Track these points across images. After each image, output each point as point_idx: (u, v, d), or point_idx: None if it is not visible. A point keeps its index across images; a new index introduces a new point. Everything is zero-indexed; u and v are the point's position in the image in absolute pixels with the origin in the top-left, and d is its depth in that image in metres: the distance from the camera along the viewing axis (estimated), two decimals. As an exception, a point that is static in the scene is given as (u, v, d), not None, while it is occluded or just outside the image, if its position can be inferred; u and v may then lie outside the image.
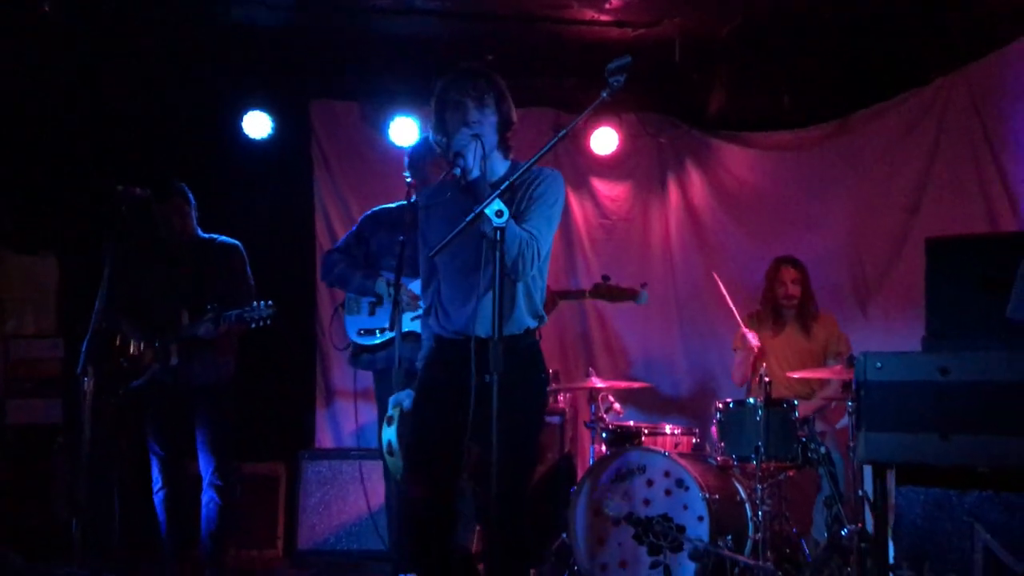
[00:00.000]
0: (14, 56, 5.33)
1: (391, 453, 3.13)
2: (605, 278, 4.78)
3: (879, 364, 1.67)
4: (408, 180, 4.22)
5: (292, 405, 5.94)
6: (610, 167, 6.18)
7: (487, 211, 2.27)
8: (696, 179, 6.17)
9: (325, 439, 5.92)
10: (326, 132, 6.15)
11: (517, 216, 2.82)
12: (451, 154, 2.80)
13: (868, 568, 4.00)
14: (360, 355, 4.36)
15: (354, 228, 4.50)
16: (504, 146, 3.02)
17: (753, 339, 5.03)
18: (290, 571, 5.12)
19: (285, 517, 5.44)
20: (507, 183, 2.59)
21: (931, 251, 3.85)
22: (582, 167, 6.17)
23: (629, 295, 4.76)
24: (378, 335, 4.24)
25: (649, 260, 6.24)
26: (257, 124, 5.87)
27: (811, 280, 5.22)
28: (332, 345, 4.54)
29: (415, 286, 4.08)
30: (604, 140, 6.07)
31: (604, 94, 2.56)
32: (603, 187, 6.21)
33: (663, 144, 6.17)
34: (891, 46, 5.39)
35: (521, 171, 2.69)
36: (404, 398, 3.19)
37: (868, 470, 5.08)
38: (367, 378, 4.60)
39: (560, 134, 2.63)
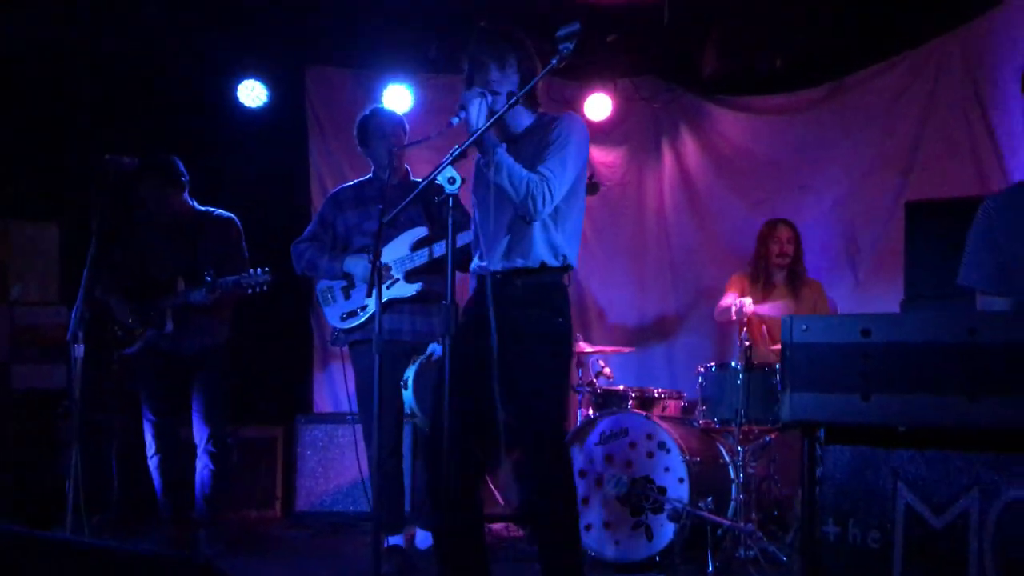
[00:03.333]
0: (14, 24, 5.38)
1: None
2: None
3: (804, 326, 1.71)
4: (395, 152, 4.25)
5: (290, 369, 6.04)
6: (605, 133, 6.18)
7: (439, 179, 2.33)
8: (690, 143, 6.18)
9: (322, 403, 6.02)
10: (321, 99, 6.19)
11: (536, 158, 2.98)
12: (458, 104, 2.94)
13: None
14: (350, 337, 4.32)
15: (318, 214, 4.48)
16: (531, 102, 3.13)
17: (748, 306, 5.00)
18: (288, 531, 5.24)
19: (283, 479, 5.56)
20: (459, 149, 2.65)
21: (910, 214, 3.88)
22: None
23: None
24: (361, 313, 4.20)
25: (643, 225, 6.27)
26: (252, 93, 5.91)
27: (803, 245, 5.24)
28: (323, 343, 4.51)
29: (389, 250, 4.12)
30: (598, 106, 6.07)
31: (554, 61, 2.64)
32: (598, 153, 6.22)
33: (657, 109, 6.17)
34: (883, 7, 5.34)
35: (471, 140, 2.76)
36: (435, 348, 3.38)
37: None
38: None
39: (512, 101, 2.73)
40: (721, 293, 5.34)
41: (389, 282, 4.11)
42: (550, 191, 2.93)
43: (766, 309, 5.06)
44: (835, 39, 5.60)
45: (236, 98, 5.90)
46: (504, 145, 2.98)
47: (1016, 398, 1.53)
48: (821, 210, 5.72)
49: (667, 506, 4.02)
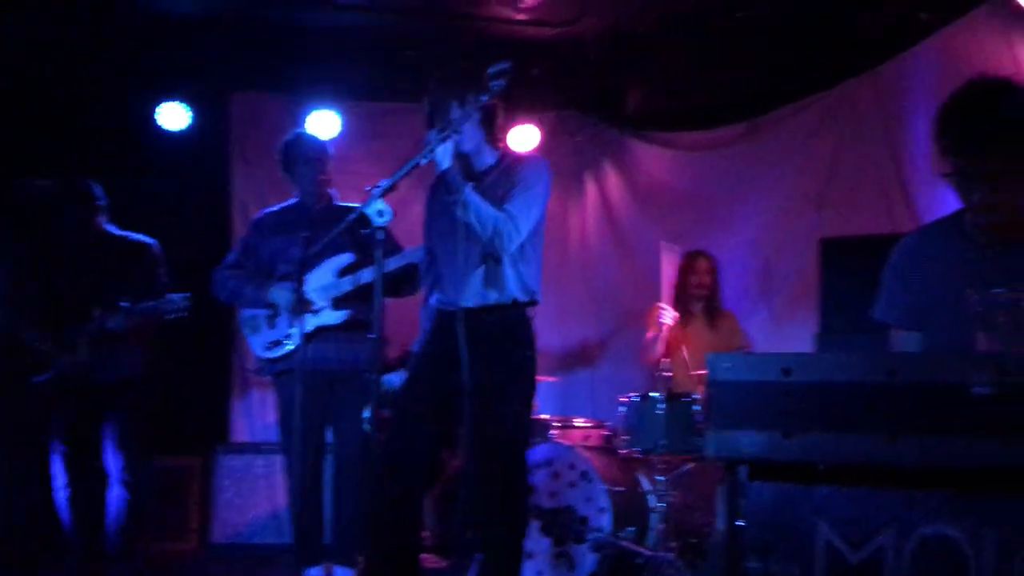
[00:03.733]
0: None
1: None
2: None
3: (728, 364, 1.76)
4: (320, 178, 4.23)
5: (208, 398, 5.91)
6: (530, 164, 6.23)
7: (367, 211, 2.34)
8: (612, 176, 6.29)
9: (241, 432, 5.90)
10: (246, 125, 6.12)
11: (503, 199, 3.11)
12: (424, 143, 3.03)
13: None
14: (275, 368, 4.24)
15: (240, 241, 4.41)
16: (492, 139, 3.28)
17: (670, 316, 5.07)
18: (205, 564, 5.11)
19: (199, 510, 5.42)
20: (391, 181, 2.68)
21: (825, 251, 4.03)
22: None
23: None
24: (286, 342, 4.11)
25: (567, 256, 6.34)
26: (174, 115, 5.81)
27: (722, 278, 5.37)
28: (246, 369, 4.43)
29: (314, 277, 4.07)
30: (525, 138, 6.13)
31: (484, 98, 2.70)
32: (523, 184, 6.27)
33: (581, 143, 6.27)
34: (800, 49, 5.54)
35: (403, 171, 2.79)
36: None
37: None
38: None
39: (441, 136, 2.76)
40: (642, 322, 5.43)
41: (315, 310, 4.06)
42: (516, 229, 3.06)
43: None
44: (753, 79, 5.78)
45: (156, 121, 5.78)
46: (471, 184, 3.07)
47: (933, 437, 1.59)
48: (738, 244, 5.86)
49: (589, 536, 4.06)
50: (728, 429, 1.77)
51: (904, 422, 1.63)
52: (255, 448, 5.41)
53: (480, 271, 3.13)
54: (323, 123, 5.89)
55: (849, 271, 3.89)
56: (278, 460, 5.16)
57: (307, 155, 4.23)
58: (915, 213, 5.01)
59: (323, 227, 4.04)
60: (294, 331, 3.98)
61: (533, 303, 3.24)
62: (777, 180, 5.82)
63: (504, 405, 3.08)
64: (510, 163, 3.26)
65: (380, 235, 2.30)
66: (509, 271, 3.15)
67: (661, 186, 6.17)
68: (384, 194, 2.39)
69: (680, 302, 5.31)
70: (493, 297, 3.14)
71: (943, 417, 1.60)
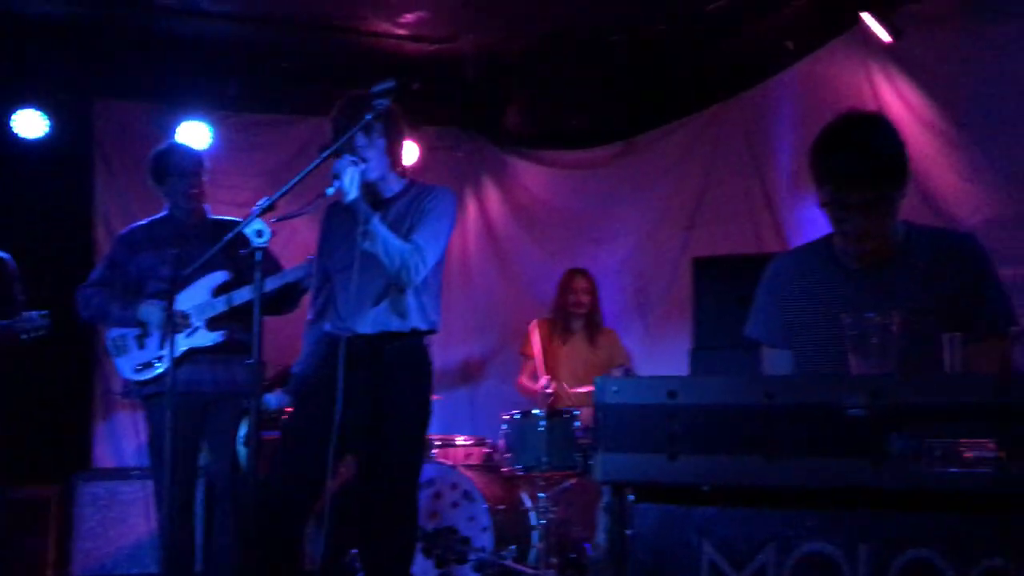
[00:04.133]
0: None
1: None
2: None
3: (615, 387, 1.77)
4: (194, 191, 4.07)
5: (66, 423, 5.58)
6: (409, 180, 6.20)
7: (245, 231, 2.26)
8: (493, 194, 6.31)
9: (104, 457, 5.60)
10: (111, 134, 5.83)
11: (410, 229, 3.09)
12: (332, 174, 2.96)
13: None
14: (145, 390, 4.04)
15: (106, 257, 4.20)
16: (397, 166, 3.26)
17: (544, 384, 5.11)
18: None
19: (56, 543, 5.11)
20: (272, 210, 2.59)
21: (697, 269, 4.13)
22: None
23: None
24: (157, 364, 3.92)
25: (447, 274, 6.27)
26: (30, 123, 5.50)
27: (600, 295, 5.45)
28: (112, 391, 4.23)
29: (187, 296, 3.91)
30: (405, 152, 6.07)
31: (368, 116, 2.65)
32: (402, 200, 6.23)
33: (460, 158, 6.27)
34: (674, 72, 5.70)
35: (285, 189, 2.72)
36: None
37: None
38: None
39: (323, 155, 2.71)
40: (523, 338, 5.47)
41: (189, 331, 3.89)
42: (423, 261, 3.03)
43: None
44: (629, 100, 5.91)
45: (12, 128, 5.46)
46: (379, 215, 3.02)
47: (809, 458, 1.64)
48: (614, 261, 5.98)
49: (472, 557, 4.03)
50: (616, 452, 1.78)
51: (781, 444, 1.67)
52: (121, 474, 5.14)
53: (384, 300, 3.10)
54: (193, 134, 5.68)
55: (720, 290, 3.99)
56: (145, 487, 4.94)
57: (181, 167, 4.06)
58: (782, 234, 5.22)
59: (195, 242, 3.94)
60: (165, 352, 3.80)
61: (432, 332, 3.23)
62: (651, 200, 5.96)
63: (402, 432, 3.06)
64: (418, 192, 3.22)
65: (259, 255, 2.22)
66: (412, 301, 3.12)
67: (540, 203, 6.24)
68: (263, 213, 2.30)
69: (560, 319, 5.37)
70: (394, 325, 3.11)
71: (819, 438, 1.65)
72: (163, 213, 4.19)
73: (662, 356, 5.49)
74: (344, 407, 2.92)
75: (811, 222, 5.04)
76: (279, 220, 2.66)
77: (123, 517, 5.03)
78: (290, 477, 2.88)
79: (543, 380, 4.49)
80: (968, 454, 1.57)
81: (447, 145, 6.26)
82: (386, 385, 3.04)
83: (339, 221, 3.14)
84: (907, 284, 2.32)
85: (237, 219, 4.29)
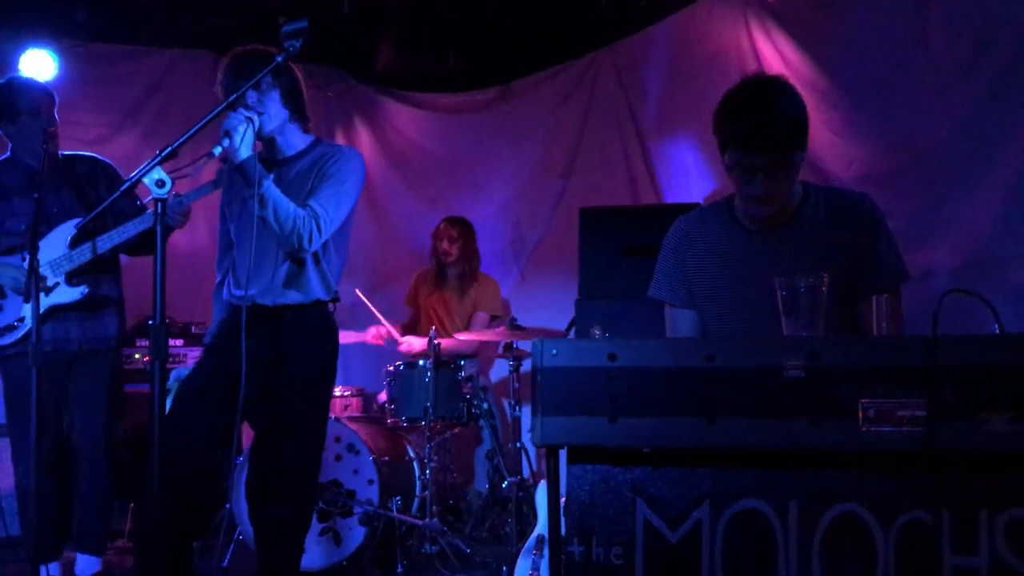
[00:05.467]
0: None
1: None
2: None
3: (555, 351, 1.74)
4: (50, 130, 3.69)
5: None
6: (276, 119, 5.92)
7: (145, 180, 2.07)
8: (365, 136, 6.12)
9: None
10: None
11: (309, 192, 2.87)
12: (222, 131, 2.72)
13: (525, 514, 4.29)
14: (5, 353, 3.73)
15: None
16: (301, 118, 3.02)
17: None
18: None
19: None
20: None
21: (584, 221, 4.15)
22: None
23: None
24: (19, 326, 3.63)
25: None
26: None
27: (478, 243, 5.39)
28: None
29: (42, 251, 3.56)
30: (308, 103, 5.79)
31: (279, 59, 2.47)
32: (269, 140, 5.95)
33: (330, 98, 6.03)
34: (552, 16, 5.62)
35: (185, 138, 2.47)
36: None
37: (527, 425, 5.43)
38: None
39: (229, 100, 2.50)
40: (401, 291, 5.39)
41: (48, 287, 3.59)
42: (319, 228, 2.82)
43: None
44: (506, 44, 5.81)
45: None
46: (271, 176, 2.81)
47: (749, 419, 1.67)
48: (491, 209, 5.93)
49: (357, 510, 3.97)
50: (555, 415, 1.76)
51: (722, 405, 1.70)
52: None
53: (281, 270, 2.92)
54: (37, 65, 5.21)
55: (605, 241, 4.03)
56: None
57: (34, 105, 3.71)
58: (657, 187, 5.30)
59: (48, 188, 3.61)
60: (26, 311, 3.51)
61: (335, 300, 3.09)
62: (527, 147, 5.93)
63: (307, 405, 2.94)
64: (323, 152, 3.00)
65: (160, 207, 2.03)
66: (312, 271, 2.96)
67: (415, 148, 6.10)
68: (163, 161, 2.11)
69: (436, 268, 5.30)
70: (294, 297, 2.95)
71: (759, 400, 1.68)
72: (5, 156, 3.85)
73: (539, 304, 5.51)
74: (239, 375, 2.78)
75: (683, 175, 5.15)
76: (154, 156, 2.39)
77: (-31, 479, 4.68)
78: (177, 436, 2.70)
79: (432, 329, 4.43)
80: (900, 413, 1.63)
81: (316, 84, 5.97)
82: (286, 353, 2.91)
83: (238, 183, 2.90)
84: (806, 244, 2.39)
85: (89, 153, 3.98)
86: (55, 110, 3.83)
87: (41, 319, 3.39)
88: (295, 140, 3.01)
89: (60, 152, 3.87)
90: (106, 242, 3.61)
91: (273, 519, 2.86)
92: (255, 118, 2.76)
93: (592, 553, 1.80)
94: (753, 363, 1.68)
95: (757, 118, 2.25)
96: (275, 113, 2.90)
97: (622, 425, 1.73)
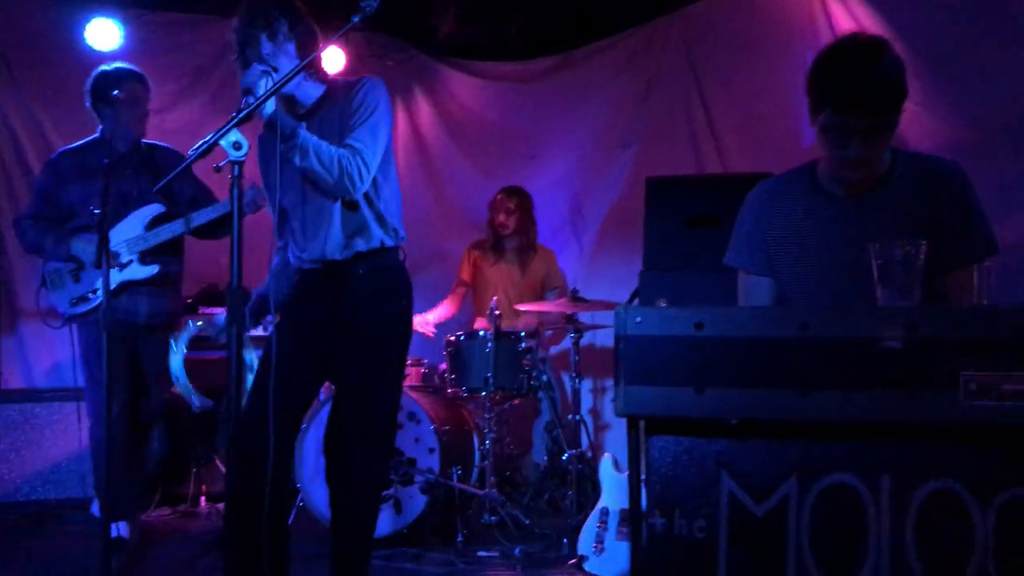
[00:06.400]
0: None
1: None
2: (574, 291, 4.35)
3: (638, 318, 1.69)
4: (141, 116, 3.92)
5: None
6: (336, 88, 5.91)
7: (222, 143, 2.04)
8: (423, 105, 6.09)
9: (13, 379, 5.29)
10: (9, 34, 5.32)
11: (341, 133, 2.75)
12: (241, 90, 2.63)
13: (584, 487, 4.26)
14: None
15: (36, 187, 4.02)
16: (316, 69, 2.87)
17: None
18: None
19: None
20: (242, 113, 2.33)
21: (650, 189, 4.07)
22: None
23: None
24: (92, 297, 3.82)
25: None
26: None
27: (536, 214, 5.33)
28: (46, 324, 4.03)
29: (120, 229, 3.81)
30: (330, 59, 5.77)
31: (355, 18, 2.41)
32: (328, 109, 5.95)
33: (390, 67, 6.00)
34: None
35: (268, 92, 2.46)
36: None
37: (587, 397, 5.40)
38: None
39: (303, 62, 2.45)
40: (458, 261, 5.36)
41: (122, 263, 3.82)
42: (365, 163, 2.71)
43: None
44: (568, 12, 5.72)
45: None
46: (304, 125, 2.70)
47: (844, 392, 1.61)
48: (550, 179, 5.87)
49: (418, 478, 3.97)
50: (639, 384, 1.71)
51: (816, 377, 1.63)
52: (33, 396, 4.86)
53: (337, 220, 2.81)
54: (102, 34, 5.25)
55: (671, 211, 3.95)
56: (62, 408, 4.74)
57: (133, 93, 3.89)
58: (725, 156, 5.18)
59: (128, 171, 3.88)
60: (100, 286, 3.62)
61: (400, 245, 2.96)
62: (587, 116, 5.84)
63: (384, 363, 2.85)
64: (340, 91, 2.88)
65: (236, 171, 2.01)
66: (367, 212, 2.84)
67: (474, 117, 6.04)
68: (239, 124, 2.08)
69: (491, 240, 5.26)
70: (359, 246, 2.83)
71: (854, 371, 1.62)
72: (95, 136, 3.99)
73: (600, 276, 5.45)
74: (317, 337, 2.75)
75: (753, 145, 5.03)
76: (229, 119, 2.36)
77: (38, 440, 4.80)
78: (264, 408, 2.67)
79: (493, 300, 4.41)
80: (1006, 387, 1.56)
81: (376, 53, 5.98)
82: (359, 310, 2.81)
83: (271, 146, 2.75)
84: (894, 211, 2.31)
85: (171, 146, 4.09)
86: (149, 101, 4.01)
87: (114, 293, 3.63)
88: (311, 91, 2.89)
89: (143, 140, 4.03)
90: (172, 229, 3.85)
91: (350, 478, 2.81)
92: (271, 72, 2.64)
93: (674, 526, 1.75)
94: (848, 333, 1.62)
95: (858, 79, 2.16)
96: (288, 67, 2.73)
97: (709, 396, 1.68)
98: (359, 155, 2.71)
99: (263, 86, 2.59)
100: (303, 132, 2.67)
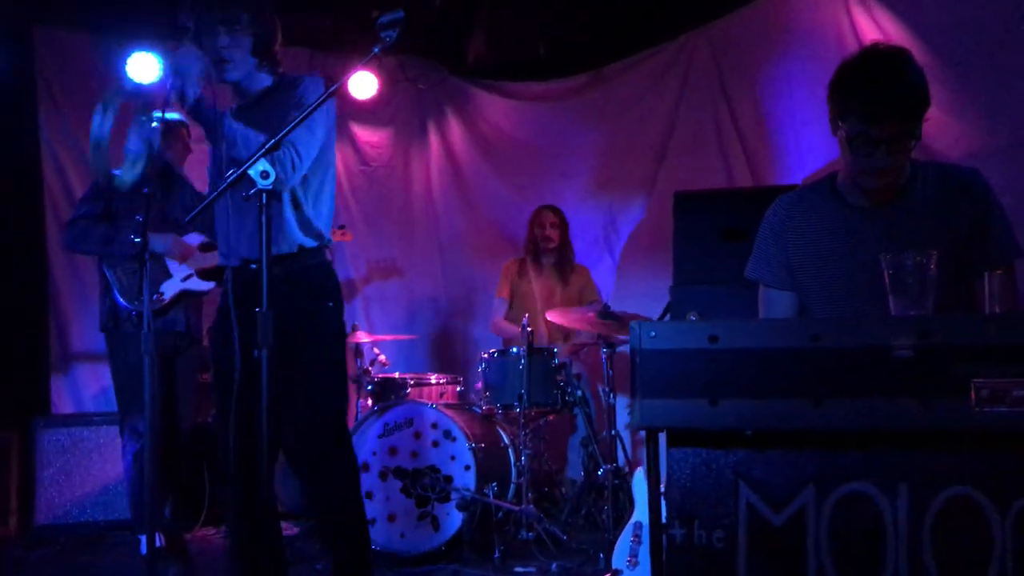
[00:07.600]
0: None
1: None
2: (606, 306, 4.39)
3: (653, 333, 1.73)
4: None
5: (22, 368, 5.38)
6: (369, 112, 6.04)
7: (251, 173, 2.11)
8: (455, 126, 6.18)
9: (62, 404, 5.44)
10: (53, 65, 5.52)
11: (280, 122, 2.62)
12: (170, 69, 2.65)
13: (621, 502, 4.28)
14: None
15: (90, 187, 4.15)
16: (269, 62, 2.88)
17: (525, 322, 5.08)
18: (29, 550, 4.68)
19: (19, 491, 4.97)
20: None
21: (679, 204, 4.09)
22: (341, 112, 5.96)
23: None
24: (161, 295, 4.04)
25: (411, 207, 6.20)
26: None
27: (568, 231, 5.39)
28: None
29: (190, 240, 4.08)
30: (363, 84, 5.89)
31: (376, 49, 2.46)
32: (363, 133, 6.07)
33: (423, 90, 6.10)
34: (641, 1, 5.57)
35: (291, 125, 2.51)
36: None
37: (622, 413, 5.41)
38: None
39: (331, 89, 2.50)
40: (491, 279, 5.42)
41: (186, 274, 4.03)
42: (298, 155, 2.68)
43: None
44: (595, 30, 5.78)
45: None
46: (228, 110, 2.70)
47: (856, 401, 1.63)
48: (581, 196, 5.92)
49: (455, 495, 4.02)
50: (655, 398, 1.74)
51: (829, 386, 1.66)
52: (83, 419, 4.99)
53: (242, 218, 2.75)
54: (143, 67, 5.40)
55: (701, 225, 3.97)
56: (109, 432, 4.86)
57: (180, 136, 4.28)
58: (755, 169, 5.19)
59: (158, 185, 4.07)
60: (165, 287, 3.98)
61: (324, 247, 2.89)
62: (617, 132, 5.89)
63: (310, 366, 2.77)
64: (287, 85, 2.84)
65: (264, 199, 2.08)
66: (291, 215, 2.77)
67: (506, 137, 6.12)
68: (267, 153, 2.15)
69: (531, 256, 5.33)
70: (279, 248, 2.76)
71: (866, 380, 1.64)
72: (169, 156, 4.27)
73: (632, 291, 5.47)
74: (246, 341, 2.56)
75: (782, 157, 5.04)
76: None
77: (86, 464, 4.92)
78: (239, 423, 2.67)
79: (525, 316, 4.45)
80: (1017, 393, 1.57)
81: (408, 76, 6.09)
82: (281, 316, 2.53)
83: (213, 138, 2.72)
84: (916, 220, 2.32)
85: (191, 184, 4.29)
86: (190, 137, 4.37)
87: (174, 299, 3.94)
88: (261, 81, 2.88)
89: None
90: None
91: (320, 495, 2.78)
92: (203, 57, 2.65)
93: (694, 536, 1.78)
94: (860, 343, 1.64)
95: (884, 89, 2.18)
96: (241, 60, 2.77)
97: (724, 407, 1.71)
98: (293, 146, 2.68)
99: (195, 71, 2.61)
100: (227, 121, 2.67)
